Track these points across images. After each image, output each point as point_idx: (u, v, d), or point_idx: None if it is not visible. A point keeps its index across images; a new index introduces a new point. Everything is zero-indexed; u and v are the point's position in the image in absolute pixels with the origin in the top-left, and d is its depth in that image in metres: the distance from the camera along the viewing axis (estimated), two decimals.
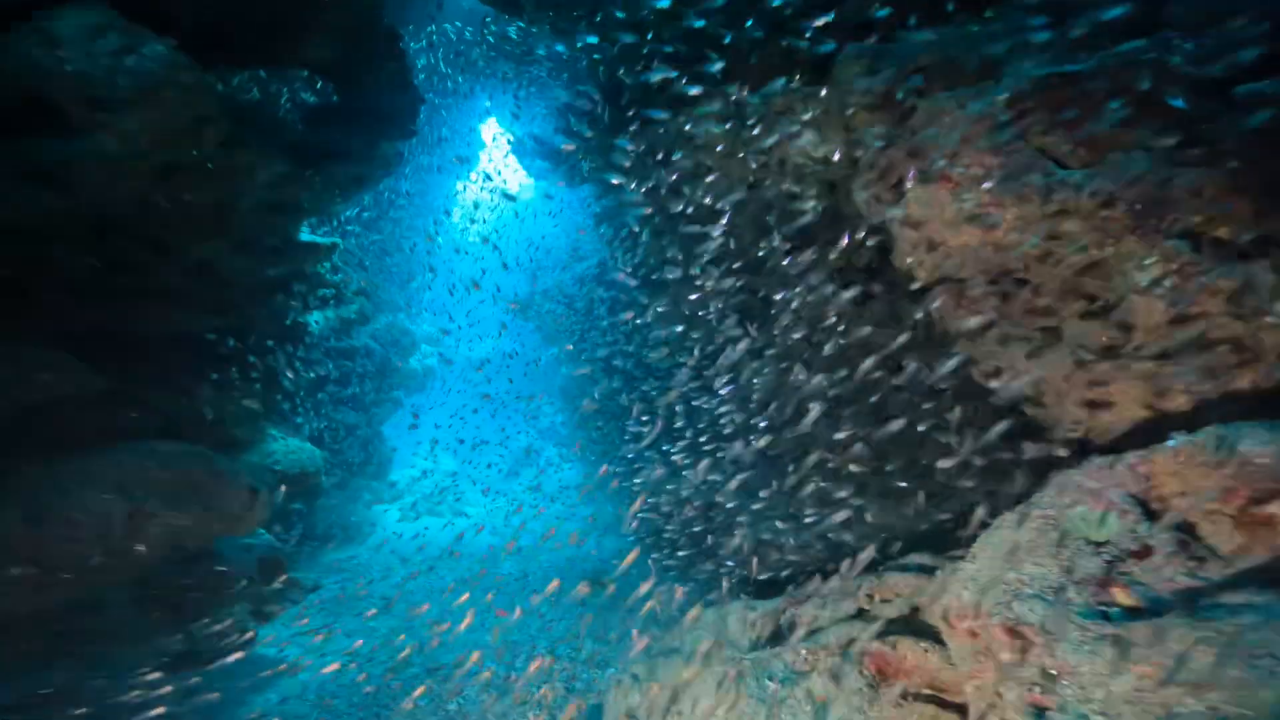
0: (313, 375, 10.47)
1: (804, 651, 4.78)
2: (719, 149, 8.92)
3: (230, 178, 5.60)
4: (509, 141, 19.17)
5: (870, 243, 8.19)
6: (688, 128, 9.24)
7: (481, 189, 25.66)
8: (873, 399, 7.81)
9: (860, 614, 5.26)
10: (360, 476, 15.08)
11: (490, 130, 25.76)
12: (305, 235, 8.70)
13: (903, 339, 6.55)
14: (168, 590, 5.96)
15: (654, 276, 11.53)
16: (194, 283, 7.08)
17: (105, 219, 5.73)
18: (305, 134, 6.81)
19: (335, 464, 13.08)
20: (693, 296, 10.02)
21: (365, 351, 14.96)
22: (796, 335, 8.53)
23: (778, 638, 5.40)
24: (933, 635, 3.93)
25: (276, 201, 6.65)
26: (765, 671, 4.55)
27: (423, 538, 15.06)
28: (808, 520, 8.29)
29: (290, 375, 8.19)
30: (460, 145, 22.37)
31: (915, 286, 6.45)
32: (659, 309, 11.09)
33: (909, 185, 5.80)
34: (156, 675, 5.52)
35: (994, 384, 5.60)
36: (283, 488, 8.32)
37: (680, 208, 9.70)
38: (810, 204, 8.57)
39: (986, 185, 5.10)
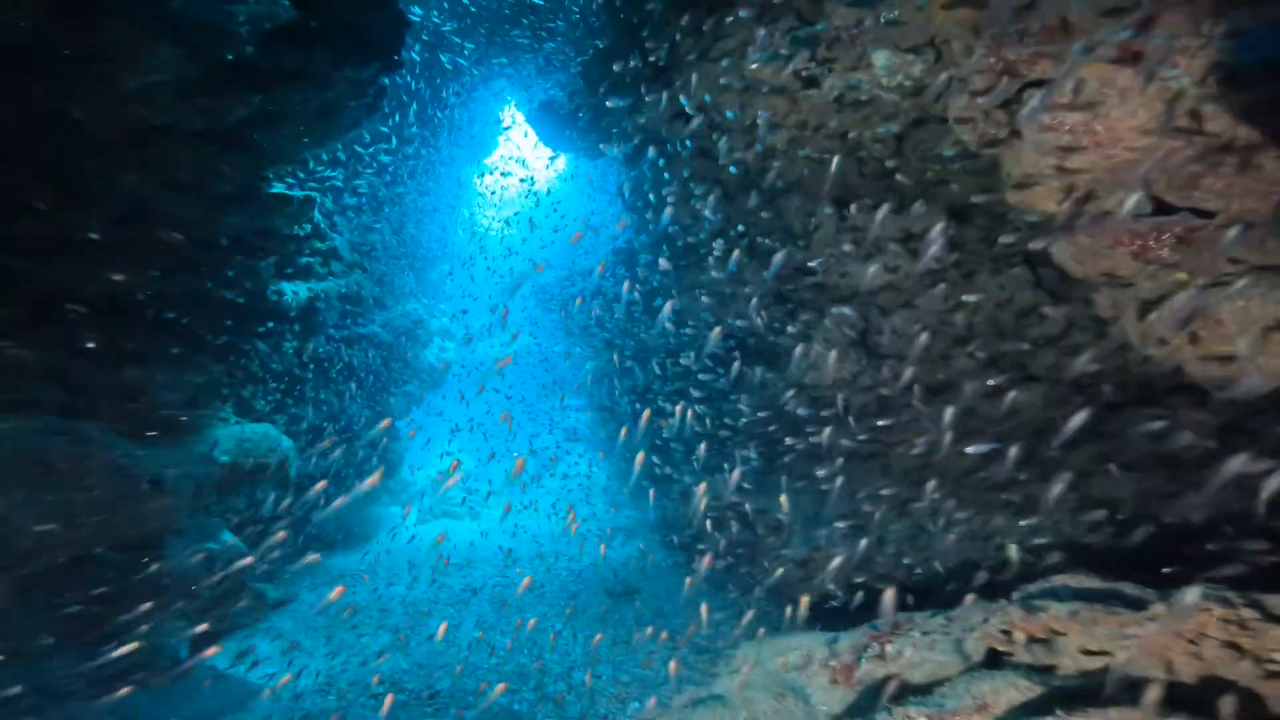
0: (296, 355, 9.27)
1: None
2: (769, 89, 7.39)
3: (108, 71, 4.27)
4: (526, 118, 17.92)
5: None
6: (725, 65, 7.75)
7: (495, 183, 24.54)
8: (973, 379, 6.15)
9: (996, 659, 3.61)
10: (363, 475, 13.91)
11: (507, 118, 24.69)
12: (278, 188, 7.48)
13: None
14: (76, 600, 4.71)
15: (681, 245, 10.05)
16: (126, 233, 5.86)
17: None
18: (256, 54, 5.54)
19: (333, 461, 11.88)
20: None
21: (372, 338, 13.81)
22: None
23: (873, 694, 3.77)
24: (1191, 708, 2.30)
25: (213, 130, 5.39)
26: None
27: (424, 541, 13.81)
28: (885, 525, 6.63)
29: (239, 348, 6.92)
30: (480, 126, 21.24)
31: (1042, 218, 4.83)
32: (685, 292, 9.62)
33: (1053, 76, 4.22)
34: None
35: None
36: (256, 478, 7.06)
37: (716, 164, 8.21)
38: (877, 149, 7.00)
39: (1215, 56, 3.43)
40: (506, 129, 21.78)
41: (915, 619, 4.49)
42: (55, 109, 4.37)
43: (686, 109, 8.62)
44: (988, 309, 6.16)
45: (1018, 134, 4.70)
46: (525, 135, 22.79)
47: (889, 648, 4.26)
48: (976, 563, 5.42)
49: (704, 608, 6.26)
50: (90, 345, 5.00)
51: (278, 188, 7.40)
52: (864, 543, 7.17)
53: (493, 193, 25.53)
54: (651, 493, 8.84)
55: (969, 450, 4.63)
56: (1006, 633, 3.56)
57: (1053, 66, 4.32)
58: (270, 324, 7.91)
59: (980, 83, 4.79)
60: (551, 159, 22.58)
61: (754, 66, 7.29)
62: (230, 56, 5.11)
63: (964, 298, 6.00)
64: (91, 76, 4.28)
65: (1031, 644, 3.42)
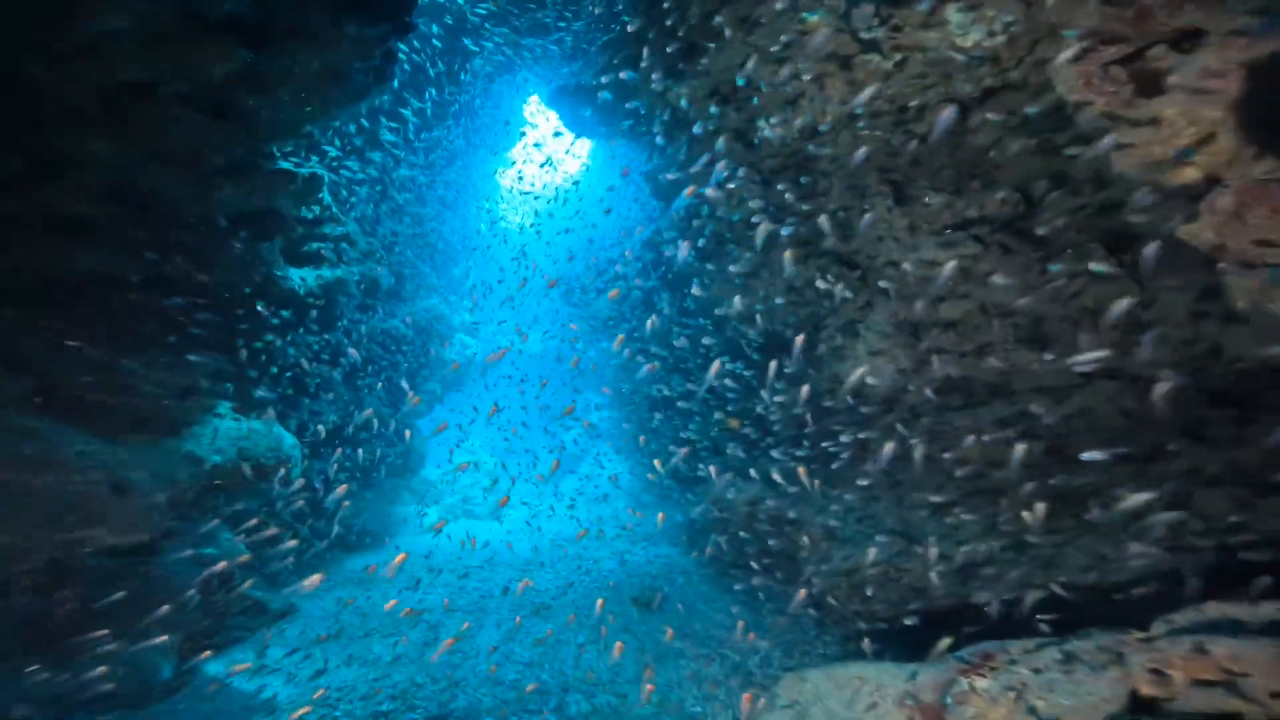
0: (310, 348, 8.80)
1: None
2: (820, 55, 6.55)
3: (56, 14, 3.72)
4: (546, 101, 17.32)
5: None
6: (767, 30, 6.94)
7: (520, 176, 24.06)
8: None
9: (1144, 705, 2.81)
10: (385, 474, 13.49)
11: (531, 109, 24.19)
12: (283, 165, 7.00)
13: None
14: (47, 615, 4.21)
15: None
16: (114, 211, 5.38)
17: None
18: (248, 9, 5.02)
19: (352, 459, 11.47)
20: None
21: (391, 333, 13.38)
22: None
23: None
24: None
25: (200, 94, 4.87)
26: None
27: (444, 542, 13.34)
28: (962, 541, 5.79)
29: (242, 337, 6.40)
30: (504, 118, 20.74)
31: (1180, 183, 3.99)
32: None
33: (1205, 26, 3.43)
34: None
35: None
36: (250, 472, 6.52)
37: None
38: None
39: None
40: (527, 95, 21.15)
41: (1009, 649, 3.69)
42: (9, 65, 3.88)
43: (718, 81, 7.87)
44: (1065, 298, 5.27)
45: (1155, 88, 3.84)
46: (547, 119, 22.21)
47: (981, 684, 3.48)
48: (1080, 583, 4.56)
49: (738, 631, 5.51)
50: (63, 331, 4.52)
51: (282, 164, 6.92)
52: (919, 557, 6.33)
53: (515, 167, 25.03)
54: (715, 472, 8.06)
55: (1084, 457, 3.81)
56: (1158, 672, 2.76)
57: (1207, 14, 3.49)
58: (282, 312, 7.43)
59: (1102, 31, 3.97)
60: (573, 143, 21.96)
61: (805, 21, 6.48)
62: (206, 3, 4.57)
63: (1049, 266, 5.13)
64: (36, 22, 3.77)
65: (1197, 686, 2.61)
